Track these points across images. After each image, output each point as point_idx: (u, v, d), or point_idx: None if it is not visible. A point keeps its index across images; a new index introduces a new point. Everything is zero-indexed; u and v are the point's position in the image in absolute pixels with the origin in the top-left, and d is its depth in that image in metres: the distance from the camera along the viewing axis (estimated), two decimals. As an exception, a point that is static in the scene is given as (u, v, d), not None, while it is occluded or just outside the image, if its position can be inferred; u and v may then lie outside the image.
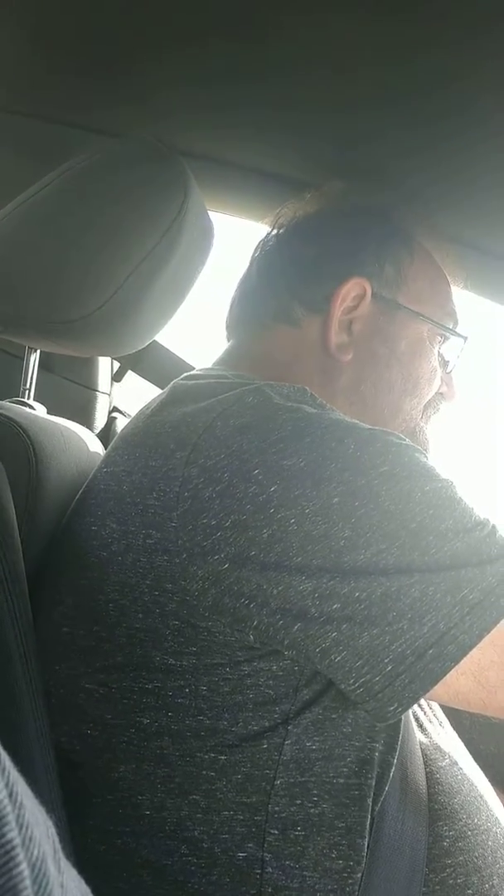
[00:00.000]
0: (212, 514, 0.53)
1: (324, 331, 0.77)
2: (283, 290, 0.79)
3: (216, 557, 0.53)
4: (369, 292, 0.77)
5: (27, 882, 0.17)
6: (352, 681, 0.52)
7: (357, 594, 0.51)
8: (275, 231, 0.83)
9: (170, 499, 0.55)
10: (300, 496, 0.52)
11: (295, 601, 0.52)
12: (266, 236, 0.84)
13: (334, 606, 0.51)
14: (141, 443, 0.61)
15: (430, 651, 0.50)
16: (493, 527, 0.55)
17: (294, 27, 0.67)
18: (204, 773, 0.56)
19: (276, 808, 0.55)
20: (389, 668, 0.51)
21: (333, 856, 0.55)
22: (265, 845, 0.55)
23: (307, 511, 0.52)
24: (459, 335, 0.84)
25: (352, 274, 0.77)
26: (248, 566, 0.52)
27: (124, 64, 0.79)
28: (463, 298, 0.92)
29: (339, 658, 0.52)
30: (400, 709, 0.52)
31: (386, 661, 0.51)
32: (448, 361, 0.85)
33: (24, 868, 0.17)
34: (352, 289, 0.77)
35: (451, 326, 0.83)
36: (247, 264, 0.85)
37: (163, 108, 0.86)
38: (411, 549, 0.52)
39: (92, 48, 0.78)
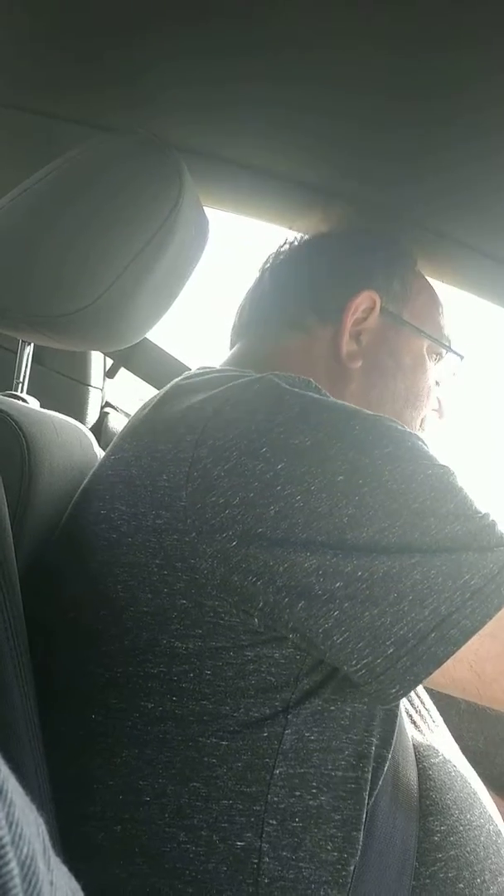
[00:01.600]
0: (220, 492, 0.54)
1: (335, 339, 0.81)
2: (297, 299, 0.83)
3: (224, 535, 0.54)
4: (378, 305, 0.82)
5: (17, 880, 0.17)
6: (354, 662, 0.52)
7: (359, 573, 0.52)
8: (286, 245, 0.88)
9: (179, 479, 0.56)
10: (306, 473, 0.53)
11: (300, 578, 0.53)
12: (278, 249, 0.88)
13: (337, 584, 0.52)
14: (150, 430, 0.62)
15: (432, 634, 0.51)
16: (492, 520, 0.55)
17: (294, 21, 0.66)
18: (205, 759, 0.56)
19: (276, 799, 0.56)
20: (391, 650, 0.51)
21: (329, 847, 0.55)
22: (263, 835, 0.55)
23: (313, 488, 0.53)
24: (457, 353, 0.88)
25: (364, 287, 0.81)
26: (255, 543, 0.53)
27: (120, 58, 0.79)
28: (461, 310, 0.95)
29: (340, 639, 0.52)
30: (401, 691, 0.52)
31: (388, 643, 0.51)
32: (439, 381, 0.89)
33: (13, 866, 0.17)
34: (363, 301, 0.81)
35: (447, 343, 0.88)
36: (257, 274, 0.89)
37: (158, 102, 0.86)
38: (412, 529, 0.53)
39: (87, 41, 0.77)
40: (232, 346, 0.87)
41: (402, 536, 0.52)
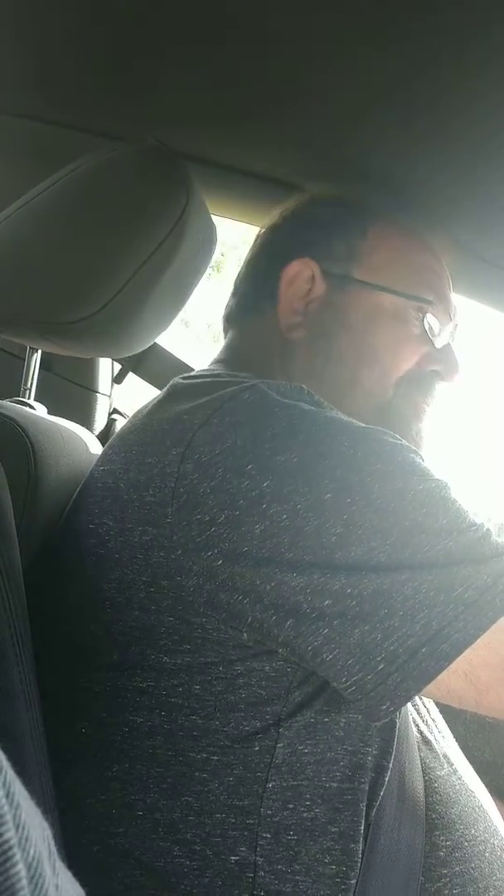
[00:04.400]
0: (206, 509, 0.53)
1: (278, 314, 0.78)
2: (250, 285, 0.82)
3: (210, 553, 0.53)
4: (318, 271, 0.78)
5: (24, 882, 0.17)
6: (344, 679, 0.52)
7: (349, 590, 0.51)
8: (256, 240, 0.87)
9: (166, 495, 0.55)
10: (292, 492, 0.52)
11: (287, 597, 0.52)
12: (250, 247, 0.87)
13: (325, 602, 0.51)
14: (138, 440, 0.62)
15: (423, 650, 0.50)
16: (488, 530, 0.55)
17: (295, 29, 0.67)
18: (196, 774, 0.56)
19: (269, 812, 0.55)
20: (381, 666, 0.50)
21: (326, 861, 0.55)
22: (257, 849, 0.55)
23: (299, 507, 0.52)
24: (423, 299, 0.79)
25: (295, 256, 0.78)
26: (241, 562, 0.53)
27: (127, 66, 0.79)
28: (461, 302, 0.91)
29: (330, 656, 0.52)
30: (392, 707, 0.51)
31: (378, 659, 0.50)
32: (438, 336, 0.81)
33: (20, 868, 0.17)
34: (296, 270, 0.78)
35: (429, 298, 0.79)
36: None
37: (165, 111, 0.86)
38: (403, 547, 0.52)
39: (94, 50, 0.78)
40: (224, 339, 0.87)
41: (392, 555, 0.51)
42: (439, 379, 0.81)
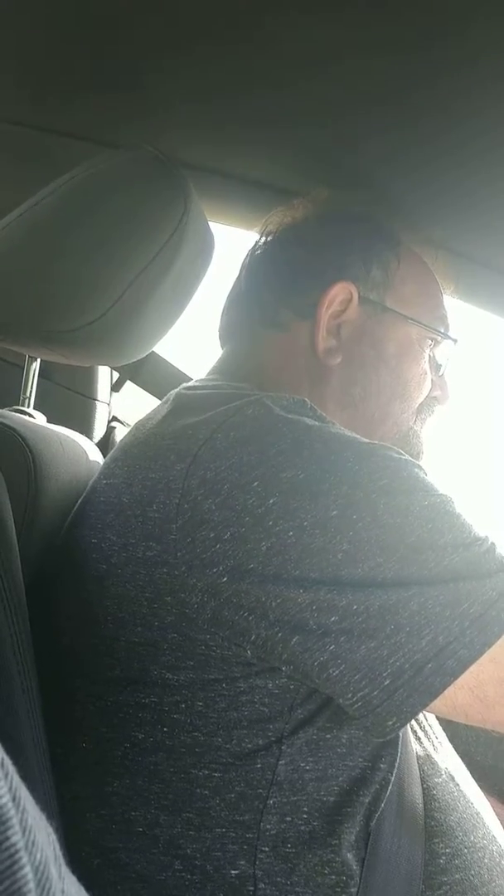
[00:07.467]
0: (211, 526, 0.53)
1: (312, 336, 0.77)
2: (271, 296, 0.80)
3: (215, 570, 0.53)
4: (356, 296, 0.77)
5: (31, 885, 0.17)
6: (350, 695, 0.51)
7: (355, 607, 0.51)
8: (262, 239, 0.84)
9: (170, 511, 0.55)
10: (298, 509, 0.52)
11: (293, 613, 0.52)
12: (254, 244, 0.85)
13: (332, 619, 0.51)
14: (141, 454, 0.61)
15: (429, 665, 0.50)
16: (492, 543, 0.55)
17: (291, 37, 0.67)
18: (198, 790, 0.56)
19: (268, 826, 0.55)
20: (388, 682, 0.50)
21: (326, 872, 0.55)
22: (257, 862, 0.54)
23: (305, 524, 0.52)
24: (450, 337, 0.84)
25: (338, 278, 0.77)
26: (246, 579, 0.52)
27: (125, 75, 0.80)
28: (458, 306, 0.92)
29: (336, 672, 0.51)
30: (399, 723, 0.51)
31: (384, 674, 0.50)
32: (440, 365, 0.85)
33: (27, 871, 0.17)
34: (338, 293, 0.77)
35: (441, 330, 0.83)
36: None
37: (163, 119, 0.87)
38: (409, 563, 0.52)
39: (92, 59, 0.78)
40: (221, 348, 0.84)
41: (398, 571, 0.51)
42: (436, 402, 0.84)
